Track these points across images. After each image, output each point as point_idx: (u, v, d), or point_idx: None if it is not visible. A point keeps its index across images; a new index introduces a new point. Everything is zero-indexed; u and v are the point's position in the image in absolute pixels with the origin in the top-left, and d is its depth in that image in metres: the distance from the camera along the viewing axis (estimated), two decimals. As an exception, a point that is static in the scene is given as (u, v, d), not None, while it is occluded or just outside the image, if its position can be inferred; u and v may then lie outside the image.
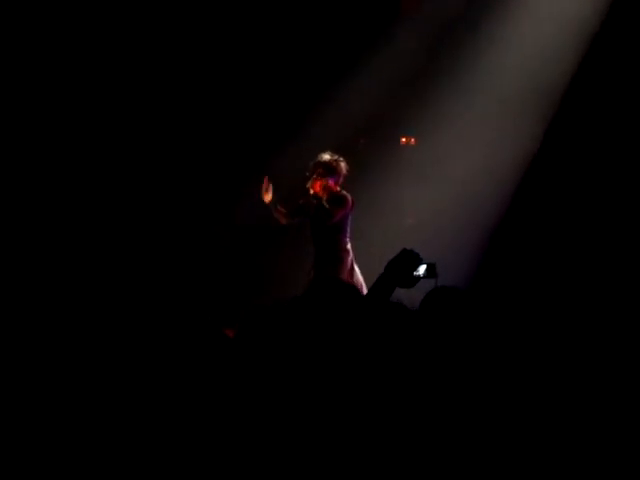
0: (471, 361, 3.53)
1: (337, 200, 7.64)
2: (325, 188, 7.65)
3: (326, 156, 7.70)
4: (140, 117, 9.60)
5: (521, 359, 3.68)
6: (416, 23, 9.71)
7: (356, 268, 7.78)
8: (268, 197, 7.65)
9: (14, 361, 3.72)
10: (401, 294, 3.87)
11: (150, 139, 9.64)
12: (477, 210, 9.52)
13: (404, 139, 10.17)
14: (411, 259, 3.86)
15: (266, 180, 7.64)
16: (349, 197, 7.70)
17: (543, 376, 3.63)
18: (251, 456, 3.14)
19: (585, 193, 9.23)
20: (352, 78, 9.76)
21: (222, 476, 3.16)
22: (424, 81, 9.80)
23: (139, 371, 3.55)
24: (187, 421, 3.27)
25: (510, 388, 3.46)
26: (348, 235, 7.78)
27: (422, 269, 4.05)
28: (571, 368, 3.79)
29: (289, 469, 3.13)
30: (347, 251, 7.75)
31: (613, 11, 9.11)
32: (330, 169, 7.67)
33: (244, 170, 9.63)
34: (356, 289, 3.84)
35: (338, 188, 7.72)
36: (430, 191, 9.62)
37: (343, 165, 7.74)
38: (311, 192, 7.66)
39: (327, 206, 7.59)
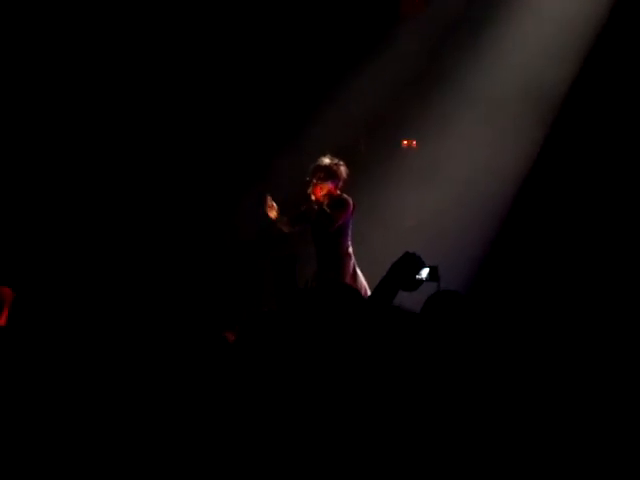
0: (472, 364, 3.50)
1: (338, 204, 7.62)
2: (326, 193, 7.63)
3: (326, 160, 7.68)
4: (142, 122, 9.60)
5: (522, 362, 3.66)
6: (417, 24, 9.69)
7: (359, 271, 7.75)
8: (273, 213, 7.64)
9: (19, 363, 3.71)
10: (403, 297, 3.85)
11: (151, 142, 9.63)
12: (479, 212, 9.49)
13: (405, 142, 10.16)
14: (413, 262, 3.85)
15: (269, 198, 7.63)
16: (350, 200, 7.67)
17: (544, 379, 3.62)
18: (252, 459, 3.13)
19: (587, 194, 9.21)
20: (352, 80, 9.74)
21: (222, 477, 3.14)
22: (425, 83, 9.78)
23: (140, 373, 3.55)
24: (187, 424, 3.26)
25: (512, 391, 3.45)
26: (349, 239, 7.75)
27: (424, 272, 4.02)
28: (573, 371, 3.77)
29: (290, 472, 3.11)
30: (349, 255, 7.73)
31: (615, 12, 9.08)
32: (330, 173, 7.64)
33: (245, 172, 9.63)
34: (358, 293, 3.81)
35: (338, 192, 7.69)
36: (431, 194, 9.60)
37: (343, 169, 7.72)
38: (312, 198, 7.64)
39: (329, 211, 7.56)
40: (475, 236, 9.45)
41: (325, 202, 7.62)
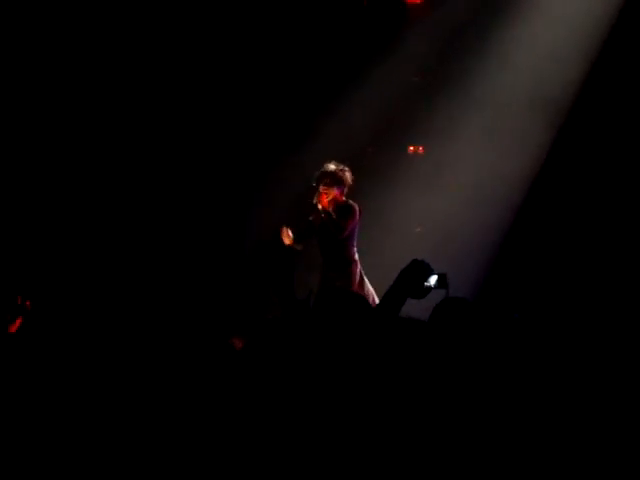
0: (481, 372, 3.48)
1: (345, 211, 7.60)
2: (331, 199, 7.61)
3: (332, 166, 7.67)
4: (150, 134, 9.61)
5: (531, 370, 3.63)
6: (424, 28, 9.67)
7: (365, 278, 7.74)
8: (288, 241, 7.65)
9: (28, 369, 3.71)
10: (412, 304, 3.83)
11: (161, 155, 9.64)
12: (486, 217, 9.47)
13: (412, 148, 10.15)
14: (422, 270, 3.84)
15: (285, 230, 7.65)
16: (356, 206, 7.67)
17: (554, 386, 3.59)
18: (261, 465, 3.13)
19: (595, 198, 9.18)
20: (359, 86, 9.73)
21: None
22: (432, 87, 9.77)
23: (148, 379, 3.54)
24: (195, 429, 3.26)
25: (520, 398, 3.43)
26: (355, 245, 7.72)
27: (433, 280, 4.00)
28: (582, 378, 3.74)
29: (296, 475, 3.11)
30: (355, 262, 7.73)
31: (624, 14, 9.06)
32: (336, 179, 7.64)
33: (253, 176, 9.63)
34: (365, 300, 3.79)
35: (344, 198, 7.67)
36: (438, 198, 9.58)
37: (349, 175, 7.72)
38: (319, 207, 7.61)
39: (337, 220, 7.54)
40: (482, 241, 9.43)
41: (331, 209, 7.61)
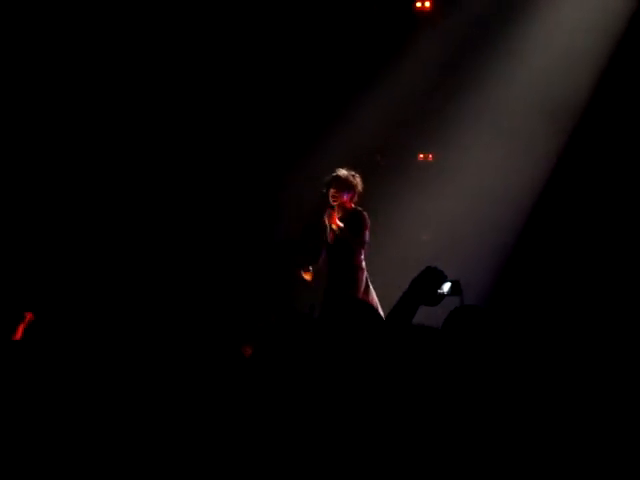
0: (493, 379, 3.45)
1: (358, 222, 7.57)
2: (340, 204, 7.59)
3: (342, 171, 7.67)
4: (164, 134, 9.65)
5: (544, 377, 3.61)
6: (434, 35, 9.67)
7: (371, 286, 7.72)
8: (309, 277, 7.66)
9: (34, 374, 3.69)
10: (424, 312, 3.80)
11: (173, 164, 9.67)
12: (496, 223, 9.46)
13: (422, 155, 10.15)
14: (435, 277, 3.80)
15: (307, 272, 7.65)
16: (365, 213, 7.65)
17: (570, 393, 3.57)
18: (267, 471, 3.10)
19: (606, 203, 9.16)
20: (369, 92, 9.74)
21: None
22: (442, 93, 9.76)
23: (155, 387, 3.53)
24: (202, 436, 3.25)
25: (534, 405, 3.40)
26: (363, 252, 7.69)
27: (446, 287, 3.95)
28: (596, 384, 3.71)
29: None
30: (362, 269, 7.70)
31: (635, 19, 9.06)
32: (347, 185, 7.63)
33: (263, 184, 9.64)
34: (373, 308, 3.76)
35: (352, 205, 7.64)
36: (448, 204, 9.57)
37: (359, 181, 7.71)
38: (334, 227, 7.58)
39: (353, 233, 7.51)
40: (492, 246, 9.41)
41: (340, 215, 7.58)
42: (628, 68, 9.18)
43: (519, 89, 9.49)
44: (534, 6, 9.35)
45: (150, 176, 9.57)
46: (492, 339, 3.66)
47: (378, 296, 7.65)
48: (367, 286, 7.69)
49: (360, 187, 7.70)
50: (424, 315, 3.82)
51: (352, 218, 7.61)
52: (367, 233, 7.59)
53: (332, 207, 7.59)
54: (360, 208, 7.67)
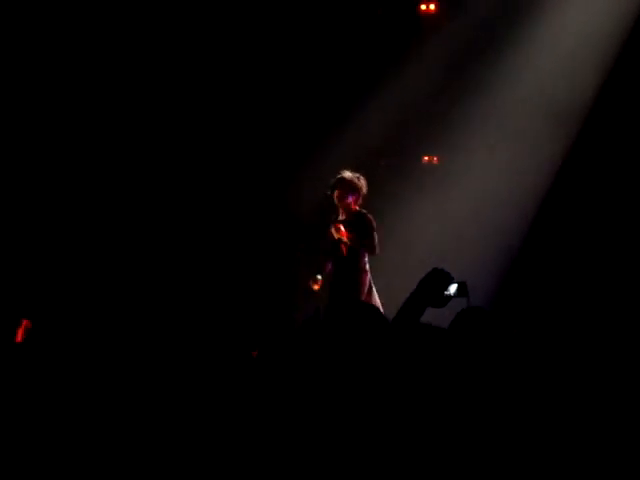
0: (499, 381, 3.46)
1: (364, 224, 7.57)
2: (344, 206, 7.59)
3: (347, 173, 7.67)
4: (169, 137, 9.66)
5: (550, 379, 3.60)
6: (439, 39, 9.67)
7: (374, 289, 7.73)
8: (317, 287, 7.70)
9: (36, 376, 3.69)
10: (430, 313, 3.80)
11: (179, 166, 9.67)
12: (501, 225, 9.45)
13: (427, 158, 10.15)
14: (442, 278, 3.80)
15: (315, 282, 7.69)
16: (370, 215, 7.65)
17: (574, 394, 3.56)
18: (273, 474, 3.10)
19: (611, 205, 9.15)
20: (374, 96, 9.73)
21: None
22: (447, 96, 9.76)
23: (163, 390, 3.53)
24: (208, 439, 3.25)
25: (540, 407, 3.40)
26: (367, 255, 7.69)
27: (453, 288, 3.95)
28: (601, 385, 3.70)
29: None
30: (366, 272, 7.70)
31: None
32: (352, 187, 7.65)
33: (270, 187, 9.64)
34: (378, 310, 3.76)
35: (357, 207, 7.64)
36: (453, 206, 9.57)
37: (364, 183, 7.71)
38: (344, 240, 7.59)
39: (363, 240, 7.51)
40: (498, 249, 9.41)
41: (344, 217, 7.58)
42: (633, 71, 9.17)
43: (524, 92, 9.48)
44: (539, 9, 9.35)
45: (153, 179, 9.57)
46: (499, 341, 3.66)
47: (382, 298, 7.65)
48: (370, 289, 7.69)
49: (365, 189, 7.71)
50: (431, 316, 3.82)
51: (357, 220, 7.61)
52: (376, 235, 7.59)
53: (338, 221, 7.60)
54: (364, 210, 7.68)
